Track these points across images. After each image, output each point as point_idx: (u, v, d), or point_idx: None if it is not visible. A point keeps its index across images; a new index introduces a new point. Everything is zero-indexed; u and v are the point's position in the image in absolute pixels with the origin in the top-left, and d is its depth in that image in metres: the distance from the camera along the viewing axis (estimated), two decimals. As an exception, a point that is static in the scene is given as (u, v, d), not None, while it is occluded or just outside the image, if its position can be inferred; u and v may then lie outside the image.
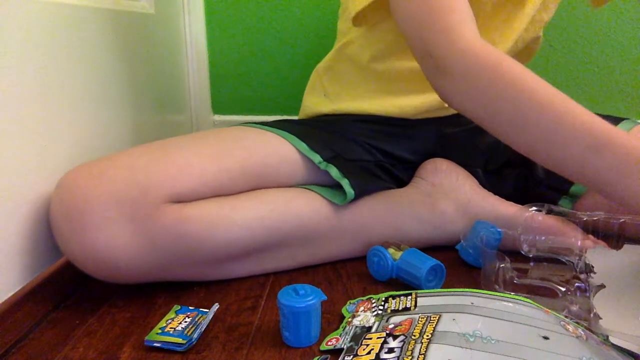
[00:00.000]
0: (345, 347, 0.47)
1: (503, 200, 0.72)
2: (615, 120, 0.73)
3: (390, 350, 0.43)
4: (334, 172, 0.67)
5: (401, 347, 0.43)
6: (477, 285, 0.63)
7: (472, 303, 0.47)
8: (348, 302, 0.57)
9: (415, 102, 0.75)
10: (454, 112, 0.77)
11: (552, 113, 0.49)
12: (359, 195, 0.66)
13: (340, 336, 0.50)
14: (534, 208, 0.66)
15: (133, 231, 0.54)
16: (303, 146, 0.68)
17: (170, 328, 0.52)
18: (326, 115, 0.80)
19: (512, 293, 0.51)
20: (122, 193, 0.54)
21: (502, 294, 0.48)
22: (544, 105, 0.49)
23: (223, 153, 0.63)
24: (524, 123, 0.50)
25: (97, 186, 0.54)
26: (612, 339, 0.46)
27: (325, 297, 0.52)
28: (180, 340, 0.51)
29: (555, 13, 0.78)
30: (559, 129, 0.49)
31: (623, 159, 0.47)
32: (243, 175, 0.63)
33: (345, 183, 0.66)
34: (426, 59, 0.56)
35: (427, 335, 0.43)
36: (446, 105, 0.73)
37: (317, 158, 0.67)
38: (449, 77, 0.54)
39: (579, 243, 0.68)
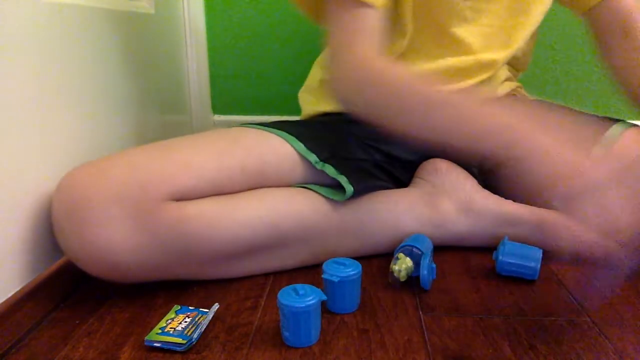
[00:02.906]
0: None
1: (504, 199, 0.72)
2: (610, 121, 0.74)
3: None
4: (330, 170, 0.67)
5: None
6: (477, 286, 0.63)
7: None
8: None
9: None
10: None
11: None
12: (358, 192, 0.66)
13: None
14: None
15: (134, 228, 0.55)
16: (300, 146, 0.68)
17: (170, 328, 0.52)
18: (324, 115, 0.80)
19: None
20: (122, 191, 0.55)
21: None
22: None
23: (222, 151, 0.63)
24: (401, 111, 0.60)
25: (97, 184, 0.54)
26: None
27: (325, 297, 0.52)
28: (180, 340, 0.51)
29: (556, 14, 0.78)
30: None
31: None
32: (242, 173, 0.63)
33: (343, 180, 0.66)
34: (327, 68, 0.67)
35: None
36: None
37: (313, 158, 0.67)
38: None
39: (583, 237, 0.67)
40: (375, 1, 0.64)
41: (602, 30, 0.72)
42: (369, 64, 0.63)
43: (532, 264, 0.63)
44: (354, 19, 0.64)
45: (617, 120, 0.74)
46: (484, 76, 0.75)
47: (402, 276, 0.61)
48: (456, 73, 0.74)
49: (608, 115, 0.79)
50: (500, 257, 0.64)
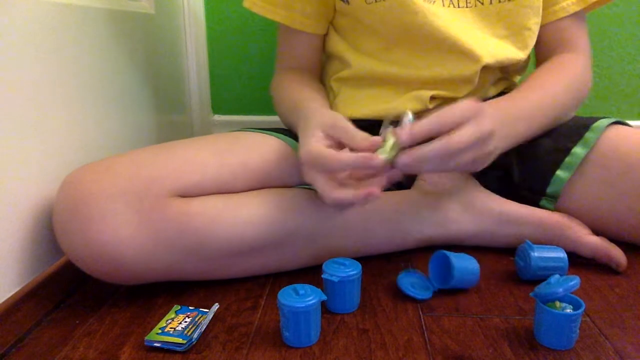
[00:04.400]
0: None
1: (505, 199, 0.72)
2: (593, 120, 0.74)
3: None
4: None
5: None
6: (477, 286, 0.63)
7: None
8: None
9: (402, 106, 0.75)
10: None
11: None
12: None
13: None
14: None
15: (139, 223, 0.55)
16: None
17: (170, 328, 0.52)
18: None
19: None
20: (127, 186, 0.55)
21: None
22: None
23: (224, 150, 0.64)
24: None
25: (102, 180, 0.55)
26: None
27: (325, 297, 0.52)
28: (180, 340, 0.51)
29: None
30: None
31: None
32: (244, 171, 0.64)
33: None
34: None
35: None
36: (430, 107, 0.74)
37: None
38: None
39: (585, 239, 0.67)
40: (304, 27, 0.78)
41: (543, 45, 0.79)
42: (276, 78, 0.83)
43: (561, 264, 0.63)
44: (287, 40, 0.82)
45: (599, 118, 0.75)
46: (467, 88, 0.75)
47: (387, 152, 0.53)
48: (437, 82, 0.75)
49: (606, 115, 0.80)
50: (531, 263, 0.62)
